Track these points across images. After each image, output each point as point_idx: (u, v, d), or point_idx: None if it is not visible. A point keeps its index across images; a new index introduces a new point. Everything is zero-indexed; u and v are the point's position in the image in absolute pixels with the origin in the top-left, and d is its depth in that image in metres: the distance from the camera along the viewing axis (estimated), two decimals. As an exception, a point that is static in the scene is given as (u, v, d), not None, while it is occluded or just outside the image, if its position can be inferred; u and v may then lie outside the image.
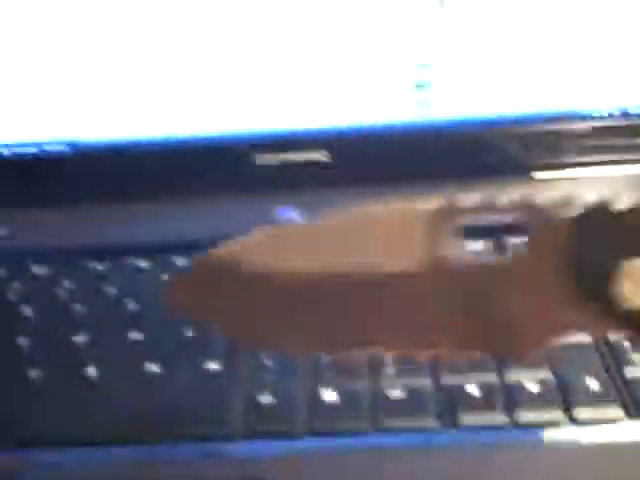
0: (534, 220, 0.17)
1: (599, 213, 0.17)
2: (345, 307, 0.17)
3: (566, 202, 0.17)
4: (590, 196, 0.18)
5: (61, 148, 0.47)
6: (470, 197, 0.17)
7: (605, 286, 0.16)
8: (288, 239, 0.18)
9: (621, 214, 0.17)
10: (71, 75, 0.45)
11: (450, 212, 0.17)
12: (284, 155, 0.47)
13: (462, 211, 0.17)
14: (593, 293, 0.16)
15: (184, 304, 0.19)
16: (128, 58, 0.44)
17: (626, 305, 0.16)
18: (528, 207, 0.17)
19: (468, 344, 0.17)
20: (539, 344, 0.17)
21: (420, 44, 0.43)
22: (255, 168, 0.47)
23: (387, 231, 0.17)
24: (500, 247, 0.40)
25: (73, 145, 0.47)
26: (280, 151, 0.47)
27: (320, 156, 0.47)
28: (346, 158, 0.47)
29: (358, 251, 0.17)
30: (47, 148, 0.47)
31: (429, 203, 0.17)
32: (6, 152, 0.48)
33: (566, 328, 0.17)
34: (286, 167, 0.47)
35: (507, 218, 0.18)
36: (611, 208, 0.17)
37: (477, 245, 0.39)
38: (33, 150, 0.47)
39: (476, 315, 0.16)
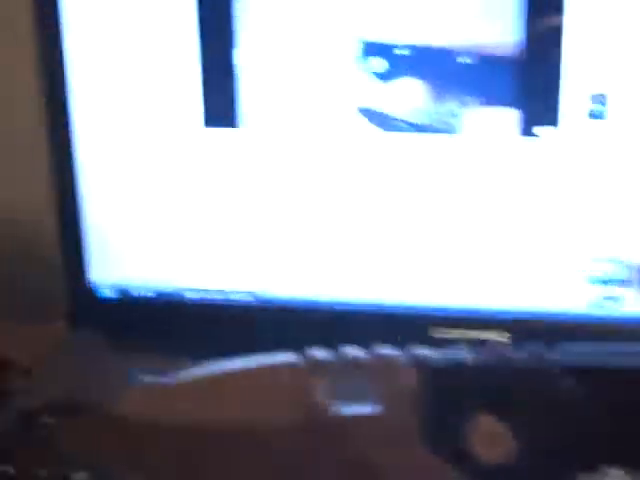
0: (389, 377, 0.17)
1: (452, 369, 0.17)
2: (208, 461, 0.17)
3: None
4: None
5: (246, 298, 0.50)
6: (326, 353, 0.18)
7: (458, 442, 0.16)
8: (158, 397, 0.19)
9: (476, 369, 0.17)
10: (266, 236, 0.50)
11: (308, 369, 0.17)
12: (462, 331, 0.48)
13: (319, 367, 0.17)
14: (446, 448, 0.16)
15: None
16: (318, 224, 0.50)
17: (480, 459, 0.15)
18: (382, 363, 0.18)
19: None
20: None
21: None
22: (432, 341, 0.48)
23: (245, 388, 0.17)
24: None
25: (258, 297, 0.50)
26: (459, 327, 0.48)
27: (498, 336, 0.47)
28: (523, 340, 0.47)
29: (217, 408, 0.18)
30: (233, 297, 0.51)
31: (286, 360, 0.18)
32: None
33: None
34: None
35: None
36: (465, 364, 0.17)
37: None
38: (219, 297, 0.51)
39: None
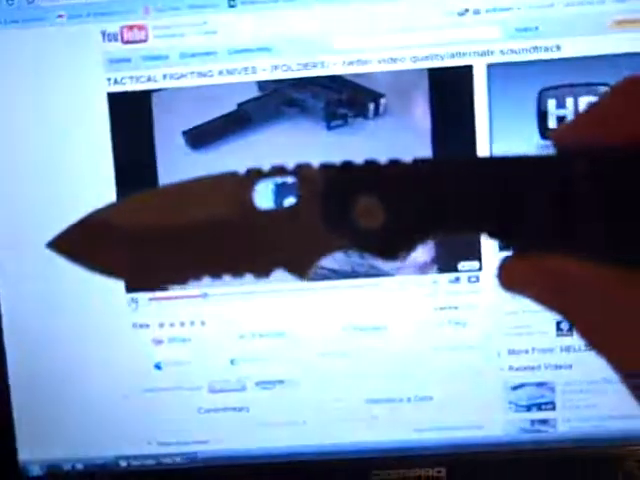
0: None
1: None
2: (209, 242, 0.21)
3: None
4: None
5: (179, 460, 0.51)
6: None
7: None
8: (152, 200, 0.23)
9: None
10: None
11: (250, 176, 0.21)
12: (400, 471, 0.49)
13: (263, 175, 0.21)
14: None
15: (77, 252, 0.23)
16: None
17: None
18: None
19: None
20: None
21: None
22: (371, 484, 0.49)
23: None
24: None
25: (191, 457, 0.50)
26: (396, 467, 0.49)
27: (435, 472, 0.49)
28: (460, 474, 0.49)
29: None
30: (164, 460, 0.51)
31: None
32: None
33: None
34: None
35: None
36: None
37: None
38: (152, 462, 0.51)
39: None
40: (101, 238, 0.22)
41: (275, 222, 0.20)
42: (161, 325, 0.49)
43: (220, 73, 0.46)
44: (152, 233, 0.21)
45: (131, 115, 0.47)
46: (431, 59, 0.45)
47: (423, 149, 0.47)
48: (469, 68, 0.46)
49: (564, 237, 0.19)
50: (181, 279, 0.22)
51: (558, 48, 0.45)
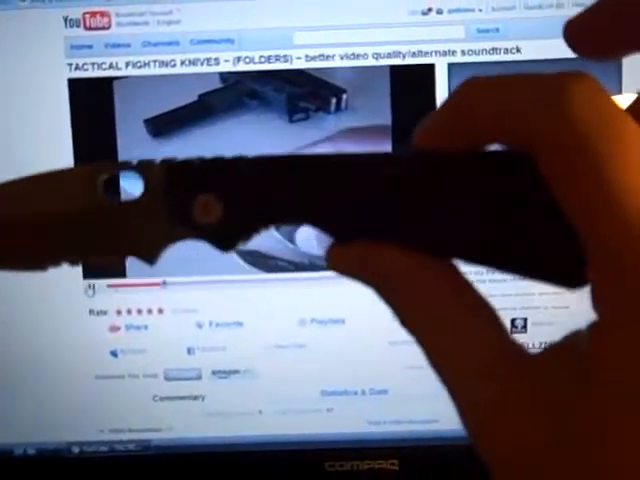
0: None
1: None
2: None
3: None
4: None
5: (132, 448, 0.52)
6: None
7: None
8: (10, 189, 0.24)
9: None
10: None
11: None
12: (354, 462, 0.51)
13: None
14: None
15: None
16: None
17: None
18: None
19: None
20: None
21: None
22: (325, 475, 0.51)
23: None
24: None
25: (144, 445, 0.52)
26: (350, 459, 0.51)
27: (389, 465, 0.51)
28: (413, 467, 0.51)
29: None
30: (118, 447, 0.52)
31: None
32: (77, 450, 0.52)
33: None
34: (356, 475, 0.51)
35: None
36: None
37: None
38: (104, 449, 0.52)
39: None
40: None
41: (123, 213, 0.22)
42: (118, 312, 0.51)
43: (183, 63, 0.48)
44: (11, 220, 0.23)
45: (92, 102, 0.48)
46: (393, 57, 0.47)
47: (383, 145, 0.49)
48: (431, 67, 0.47)
49: (381, 230, 0.21)
50: (40, 264, 0.24)
51: (518, 50, 0.47)
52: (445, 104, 0.20)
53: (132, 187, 0.22)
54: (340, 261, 0.22)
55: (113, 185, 0.23)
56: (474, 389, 0.20)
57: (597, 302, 0.18)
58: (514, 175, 0.19)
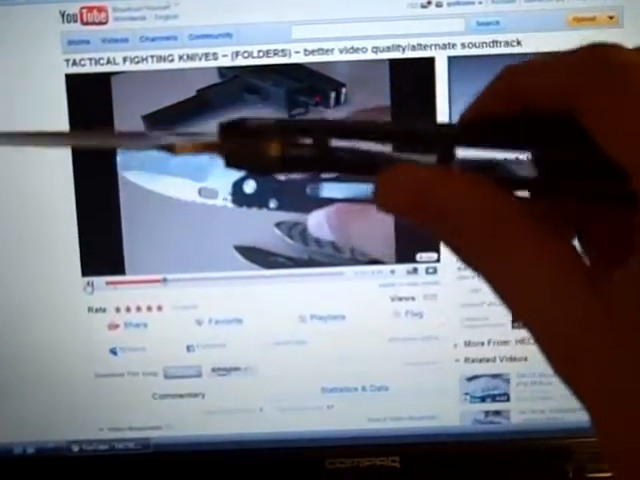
0: None
1: None
2: None
3: None
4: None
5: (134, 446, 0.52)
6: None
7: None
8: None
9: None
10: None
11: None
12: (355, 459, 0.51)
13: None
14: None
15: None
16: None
17: None
18: None
19: None
20: None
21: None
22: (326, 472, 0.51)
23: None
24: None
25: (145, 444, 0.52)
26: (351, 456, 0.52)
27: (390, 461, 0.51)
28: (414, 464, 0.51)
29: None
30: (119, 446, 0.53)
31: None
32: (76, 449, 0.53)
33: None
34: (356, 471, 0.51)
35: None
36: None
37: None
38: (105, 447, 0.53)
39: None
40: None
41: None
42: (117, 310, 0.51)
43: (181, 58, 0.48)
44: None
45: (90, 97, 0.48)
46: (393, 50, 0.47)
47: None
48: (431, 60, 0.48)
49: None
50: None
51: (518, 43, 0.47)
52: (489, 85, 0.21)
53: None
54: (391, 197, 0.21)
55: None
56: (553, 316, 0.19)
57: None
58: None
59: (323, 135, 0.21)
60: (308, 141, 0.21)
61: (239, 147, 0.21)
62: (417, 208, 0.20)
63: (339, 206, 0.49)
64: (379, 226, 0.50)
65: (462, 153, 0.21)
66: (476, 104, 0.22)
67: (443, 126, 0.22)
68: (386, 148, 0.21)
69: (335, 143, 0.21)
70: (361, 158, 0.21)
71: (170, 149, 0.22)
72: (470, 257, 0.20)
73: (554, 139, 0.21)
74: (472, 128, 0.22)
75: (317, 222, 0.50)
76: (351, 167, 0.21)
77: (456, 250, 0.21)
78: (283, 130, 0.21)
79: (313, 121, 0.22)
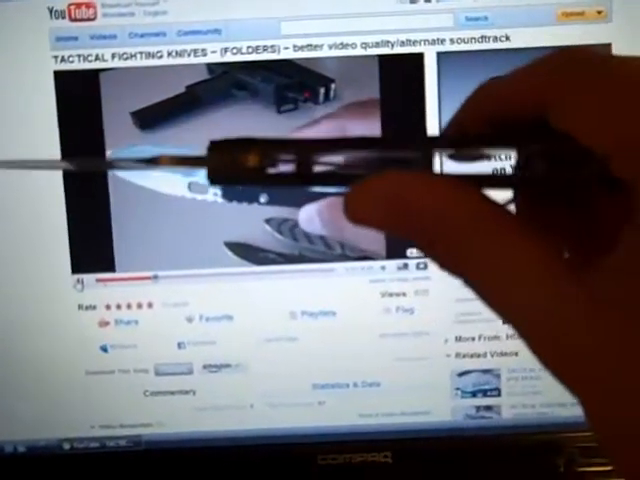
0: None
1: None
2: None
3: None
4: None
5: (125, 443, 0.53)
6: None
7: None
8: None
9: None
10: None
11: None
12: (347, 455, 0.52)
13: None
14: None
15: None
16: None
17: None
18: None
19: None
20: None
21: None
22: (317, 468, 0.51)
23: None
24: None
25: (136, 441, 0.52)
26: (343, 452, 0.52)
27: (382, 457, 0.51)
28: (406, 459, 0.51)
29: None
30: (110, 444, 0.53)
31: None
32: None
33: None
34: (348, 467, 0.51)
35: None
36: None
37: None
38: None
39: None
40: None
41: None
42: (108, 307, 0.51)
43: (169, 54, 0.48)
44: None
45: (78, 94, 0.48)
46: (382, 46, 0.48)
47: (373, 130, 0.49)
48: (420, 56, 0.48)
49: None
50: None
51: (507, 38, 0.47)
52: (465, 102, 0.22)
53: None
54: (362, 207, 0.20)
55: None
56: (539, 311, 0.19)
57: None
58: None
59: (304, 150, 0.21)
60: (289, 156, 0.21)
61: (221, 161, 0.21)
62: (390, 216, 0.20)
63: (331, 200, 0.49)
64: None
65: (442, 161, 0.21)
66: (454, 122, 0.23)
67: (426, 137, 0.22)
68: (367, 160, 0.21)
69: (316, 158, 0.21)
70: (342, 173, 0.21)
71: (155, 162, 0.22)
72: (450, 261, 0.20)
73: (531, 136, 0.21)
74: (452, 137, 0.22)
75: (308, 216, 0.50)
76: (333, 181, 0.21)
77: (434, 256, 0.20)
78: (264, 143, 0.21)
79: (295, 139, 0.22)
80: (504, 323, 0.55)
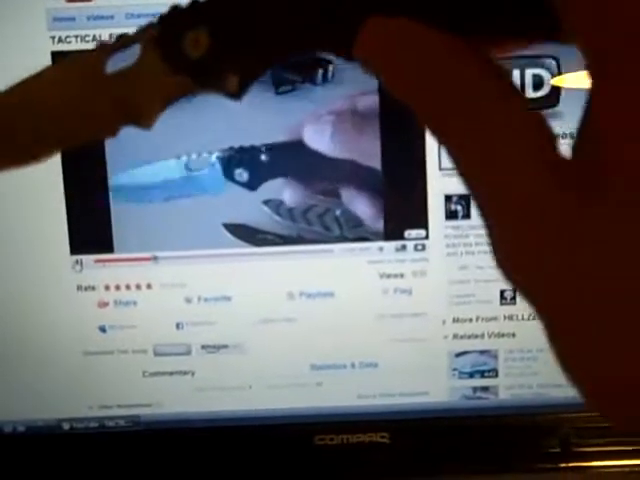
0: None
1: None
2: None
3: None
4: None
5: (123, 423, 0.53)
6: None
7: None
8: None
9: None
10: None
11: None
12: (344, 436, 0.52)
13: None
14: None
15: None
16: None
17: None
18: None
19: None
20: None
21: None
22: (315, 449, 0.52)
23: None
24: None
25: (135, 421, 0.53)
26: (340, 433, 0.52)
27: (379, 438, 0.52)
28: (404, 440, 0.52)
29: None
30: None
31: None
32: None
33: None
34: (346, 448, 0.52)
35: None
36: None
37: None
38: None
39: None
40: None
41: (122, 80, 0.22)
42: (107, 288, 0.51)
43: (167, 35, 0.48)
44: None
45: (76, 75, 0.49)
46: (380, 26, 0.48)
47: (370, 115, 0.49)
48: (418, 36, 0.48)
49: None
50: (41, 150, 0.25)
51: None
52: None
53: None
54: (374, 42, 0.20)
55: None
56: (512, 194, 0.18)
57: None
58: None
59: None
60: None
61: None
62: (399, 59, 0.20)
63: (338, 116, 0.50)
64: (369, 191, 0.50)
65: None
66: None
67: None
68: None
69: None
70: None
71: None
72: (451, 124, 0.19)
73: None
74: None
75: (315, 131, 0.50)
76: None
77: (432, 116, 0.20)
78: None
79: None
80: (502, 304, 0.54)
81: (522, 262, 0.19)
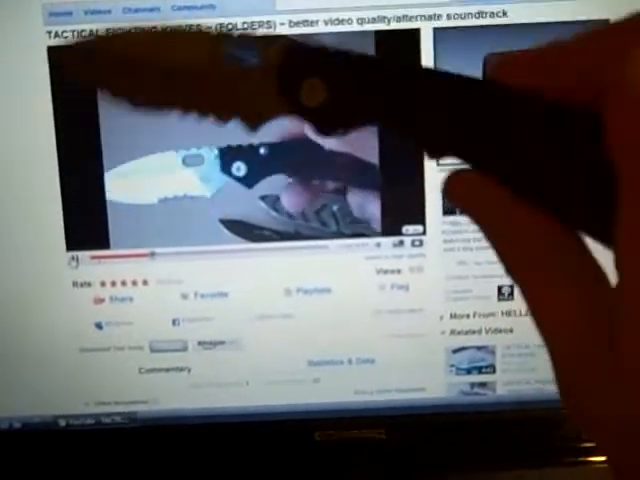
0: None
1: None
2: None
3: None
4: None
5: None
6: None
7: None
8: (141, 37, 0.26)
9: None
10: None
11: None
12: (341, 432, 0.52)
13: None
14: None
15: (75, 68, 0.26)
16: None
17: None
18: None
19: None
20: None
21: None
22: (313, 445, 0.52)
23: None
24: None
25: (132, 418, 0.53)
26: (337, 429, 0.53)
27: (376, 434, 0.52)
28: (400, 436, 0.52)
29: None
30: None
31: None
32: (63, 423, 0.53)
33: None
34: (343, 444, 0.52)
35: None
36: None
37: None
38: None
39: None
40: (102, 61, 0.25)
41: (238, 77, 0.24)
42: (103, 284, 0.51)
43: (164, 29, 0.48)
44: (140, 66, 0.25)
45: (72, 70, 0.48)
46: (378, 22, 0.48)
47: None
48: (416, 32, 0.48)
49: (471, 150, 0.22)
50: (161, 108, 0.25)
51: (504, 14, 0.47)
52: (538, 46, 0.21)
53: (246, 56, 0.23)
54: (460, 190, 0.22)
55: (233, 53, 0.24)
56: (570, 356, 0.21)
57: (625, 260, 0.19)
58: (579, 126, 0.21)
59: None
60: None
61: None
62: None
63: None
64: (366, 187, 0.50)
65: None
66: (518, 57, 0.22)
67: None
68: None
69: None
70: None
71: None
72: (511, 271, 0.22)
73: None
74: None
75: None
76: None
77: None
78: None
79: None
80: (500, 299, 0.55)
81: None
